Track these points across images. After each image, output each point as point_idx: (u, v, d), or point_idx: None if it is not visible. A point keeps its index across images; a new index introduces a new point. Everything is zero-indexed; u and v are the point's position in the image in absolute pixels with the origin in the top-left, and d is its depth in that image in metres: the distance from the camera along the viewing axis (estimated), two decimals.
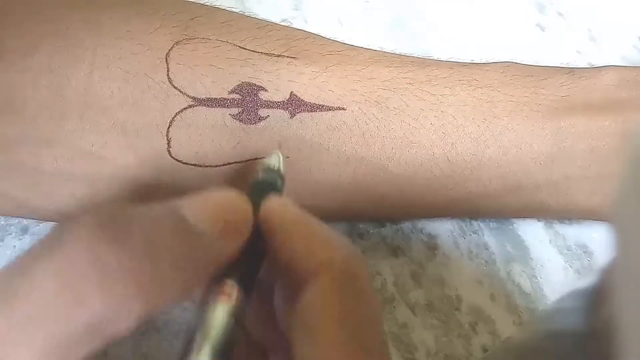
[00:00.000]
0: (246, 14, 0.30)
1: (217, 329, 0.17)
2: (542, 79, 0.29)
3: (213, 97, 0.26)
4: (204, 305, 0.18)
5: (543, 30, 0.40)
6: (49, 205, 0.27)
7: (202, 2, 0.29)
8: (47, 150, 0.26)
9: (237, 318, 0.18)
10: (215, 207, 0.19)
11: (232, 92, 0.26)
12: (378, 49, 0.30)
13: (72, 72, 0.25)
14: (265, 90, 0.27)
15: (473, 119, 0.28)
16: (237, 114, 0.26)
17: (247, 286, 0.19)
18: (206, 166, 0.26)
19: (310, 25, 0.39)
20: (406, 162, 0.28)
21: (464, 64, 0.30)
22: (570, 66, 0.31)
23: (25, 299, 0.15)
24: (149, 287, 0.16)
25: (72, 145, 0.26)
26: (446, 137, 0.28)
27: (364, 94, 0.27)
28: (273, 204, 0.21)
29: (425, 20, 0.40)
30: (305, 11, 0.40)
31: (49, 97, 0.25)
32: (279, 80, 0.27)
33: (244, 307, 0.19)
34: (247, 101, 0.26)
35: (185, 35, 0.26)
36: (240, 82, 0.26)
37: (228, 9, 0.29)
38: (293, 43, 0.28)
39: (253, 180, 0.23)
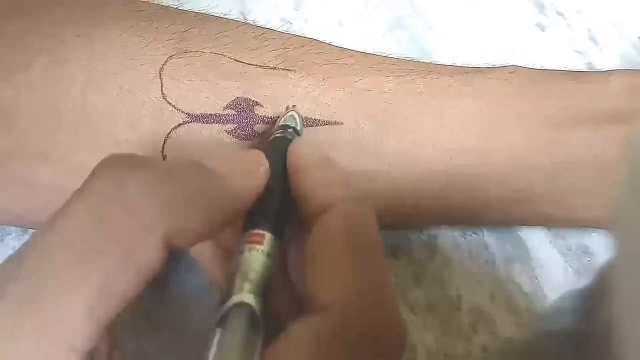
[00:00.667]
0: (245, 15, 0.30)
1: (255, 269, 0.18)
2: (546, 88, 0.29)
3: (208, 112, 0.26)
4: (239, 253, 0.19)
5: (543, 30, 0.40)
6: (45, 219, 0.27)
7: (202, 5, 0.29)
8: (42, 165, 0.26)
9: (273, 263, 0.19)
10: (231, 157, 0.21)
11: (227, 107, 0.26)
12: (377, 53, 0.29)
13: (66, 88, 0.25)
14: (261, 105, 0.26)
15: (473, 132, 0.27)
16: (232, 130, 0.26)
17: (279, 234, 0.20)
18: None
19: (310, 25, 0.39)
20: (404, 177, 0.27)
21: (466, 70, 0.29)
22: (575, 70, 0.30)
23: (66, 237, 0.16)
24: (172, 210, 0.18)
25: (67, 160, 0.26)
26: (444, 151, 0.27)
27: (361, 108, 0.27)
28: (296, 147, 0.22)
29: (425, 20, 0.40)
30: (305, 11, 0.40)
31: (44, 112, 0.25)
32: (274, 95, 0.26)
33: (278, 252, 0.20)
34: (243, 117, 0.26)
35: (179, 48, 0.26)
36: (235, 98, 0.26)
37: (224, 15, 0.29)
38: (289, 53, 0.27)
39: (270, 138, 0.24)
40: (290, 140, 0.24)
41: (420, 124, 0.27)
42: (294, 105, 0.26)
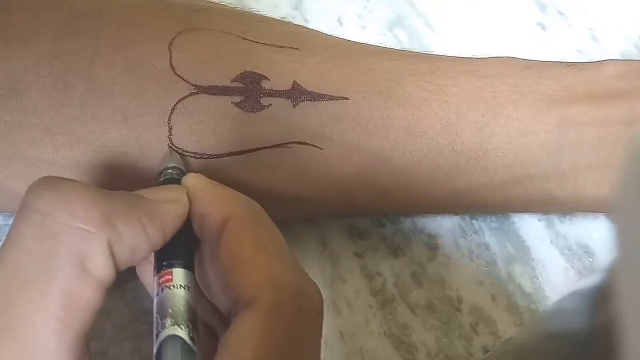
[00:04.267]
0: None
1: (173, 304, 0.20)
2: (543, 71, 0.29)
3: (216, 84, 0.26)
4: (168, 290, 0.21)
5: (544, 30, 0.40)
6: None
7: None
8: (47, 138, 0.25)
9: (189, 291, 0.21)
10: (153, 188, 0.23)
11: (234, 80, 0.26)
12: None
13: (74, 59, 0.25)
14: (268, 79, 0.26)
15: (477, 108, 0.28)
16: (239, 102, 0.26)
17: (189, 265, 0.22)
18: (207, 156, 0.26)
19: (310, 25, 0.39)
20: (410, 153, 0.27)
21: (466, 58, 0.30)
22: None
23: (14, 262, 0.18)
24: (112, 218, 0.19)
25: (73, 132, 0.25)
26: (450, 126, 0.27)
27: (367, 84, 0.27)
28: (188, 179, 0.24)
29: (425, 20, 0.40)
30: (305, 11, 0.40)
31: (51, 84, 0.25)
32: (281, 70, 0.27)
33: (191, 280, 0.22)
34: (250, 89, 0.26)
35: (188, 25, 0.26)
36: (243, 71, 0.26)
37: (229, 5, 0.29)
38: (295, 36, 0.28)
39: (157, 182, 0.25)
40: (178, 180, 0.24)
41: (424, 100, 0.27)
42: (169, 146, 0.26)
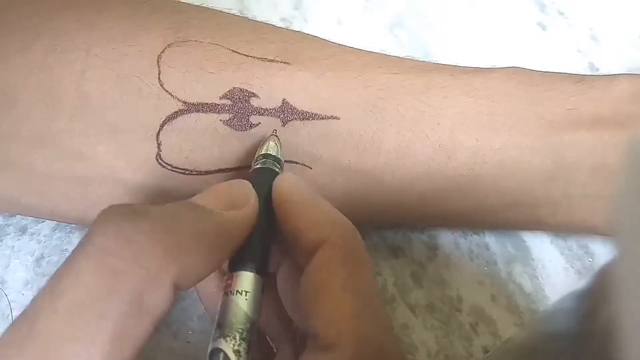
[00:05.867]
0: (245, 14, 0.30)
1: (229, 315, 0.19)
2: (548, 90, 0.28)
3: (204, 101, 0.26)
4: (226, 296, 0.20)
5: (544, 29, 0.40)
6: (42, 204, 0.27)
7: (200, 3, 0.29)
8: (38, 150, 0.26)
9: (253, 301, 0.20)
10: (218, 189, 0.21)
11: (223, 97, 0.26)
12: (378, 51, 0.29)
13: (64, 72, 0.25)
14: (257, 96, 0.26)
15: (471, 132, 0.27)
16: (228, 120, 0.26)
17: (261, 269, 0.21)
18: (196, 172, 0.26)
19: (310, 25, 0.39)
20: (401, 175, 0.27)
21: (466, 71, 0.29)
22: (578, 73, 0.29)
23: (71, 295, 0.17)
24: (177, 255, 0.18)
25: (62, 145, 0.25)
26: (442, 150, 0.27)
27: (359, 103, 0.27)
28: (284, 182, 0.22)
29: (425, 20, 0.40)
30: (305, 11, 0.40)
31: (40, 96, 0.25)
32: (271, 87, 0.26)
33: (259, 288, 0.21)
34: (239, 107, 0.26)
35: (178, 37, 0.26)
36: (232, 88, 0.26)
37: (226, 10, 0.29)
38: (287, 47, 0.27)
39: (252, 169, 0.24)
40: (272, 171, 0.24)
41: (417, 122, 0.27)
42: (274, 130, 0.26)
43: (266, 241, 0.22)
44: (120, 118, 0.25)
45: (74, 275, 0.17)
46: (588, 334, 0.16)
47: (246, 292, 0.20)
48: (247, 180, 0.23)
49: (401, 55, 0.29)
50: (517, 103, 0.27)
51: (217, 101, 0.26)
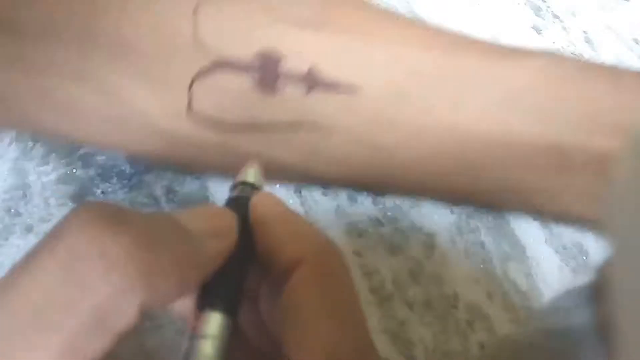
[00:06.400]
0: None
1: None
2: (575, 89, 0.28)
3: (235, 59, 0.26)
4: (193, 337, 0.18)
5: (539, 33, 0.40)
6: (78, 134, 0.28)
7: None
8: (74, 85, 0.26)
9: (220, 343, 0.18)
10: (202, 212, 0.20)
11: (254, 57, 0.26)
12: (413, 17, 0.29)
13: (102, 15, 0.25)
14: (286, 60, 0.26)
15: (487, 120, 0.27)
16: (256, 82, 0.26)
17: (231, 309, 0.19)
18: (224, 128, 0.26)
19: None
20: (413, 154, 0.27)
21: (498, 51, 0.28)
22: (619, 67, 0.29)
23: (28, 294, 0.15)
24: (150, 277, 0.16)
25: (100, 83, 0.26)
26: (457, 134, 0.27)
27: (384, 79, 0.27)
28: (261, 201, 0.21)
29: (422, 22, 0.40)
30: None
31: (80, 30, 0.25)
32: (300, 51, 0.26)
33: (227, 330, 0.19)
34: (267, 69, 0.26)
35: None
36: (262, 48, 0.26)
37: None
38: (323, 11, 0.27)
39: (229, 197, 0.23)
40: (246, 199, 0.22)
41: (435, 105, 0.27)
42: (255, 158, 0.24)
43: (239, 276, 0.20)
44: (155, 65, 0.26)
45: (35, 273, 0.16)
46: (584, 331, 0.17)
47: (213, 336, 0.18)
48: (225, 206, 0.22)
49: None
50: (537, 99, 0.28)
51: (248, 61, 0.26)
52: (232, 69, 0.26)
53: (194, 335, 0.18)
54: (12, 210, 0.30)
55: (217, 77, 0.26)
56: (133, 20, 0.25)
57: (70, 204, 0.31)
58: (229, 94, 0.26)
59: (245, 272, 0.21)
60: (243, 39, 0.26)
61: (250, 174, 0.23)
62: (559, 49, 0.40)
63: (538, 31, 0.41)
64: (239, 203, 0.22)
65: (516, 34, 0.40)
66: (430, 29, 0.29)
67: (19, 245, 0.30)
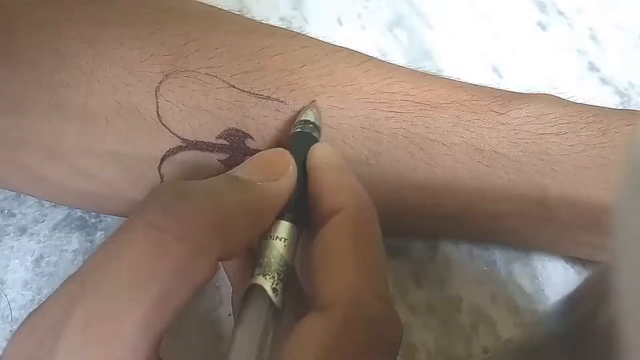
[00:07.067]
0: (245, 14, 0.29)
1: (268, 255, 0.21)
2: (568, 137, 0.27)
3: (201, 140, 0.26)
4: (265, 240, 0.22)
5: (544, 29, 0.40)
6: (50, 198, 0.29)
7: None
8: (47, 161, 0.26)
9: (289, 248, 0.22)
10: (257, 160, 0.23)
11: (219, 137, 0.26)
12: (396, 66, 0.28)
13: (69, 94, 0.25)
14: (252, 138, 0.26)
15: (464, 180, 0.27)
16: (225, 160, 0.26)
17: (298, 223, 0.22)
18: None
19: (310, 25, 0.39)
20: (387, 212, 0.26)
21: (497, 101, 0.27)
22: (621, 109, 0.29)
23: (119, 258, 0.18)
24: (220, 229, 0.19)
25: (71, 161, 0.26)
26: (433, 197, 0.27)
27: (355, 147, 0.26)
28: (318, 150, 0.24)
29: (425, 20, 0.40)
30: (305, 10, 0.40)
31: (50, 111, 0.25)
32: (265, 129, 0.26)
33: (295, 239, 0.22)
34: (235, 148, 0.26)
35: (175, 67, 0.26)
36: (227, 128, 0.26)
37: (226, 8, 0.29)
38: (286, 77, 0.26)
39: (292, 132, 0.25)
40: (310, 135, 0.24)
41: (413, 170, 0.27)
42: (313, 100, 0.26)
43: (304, 197, 0.23)
44: (124, 146, 0.26)
45: (123, 243, 0.18)
46: (588, 334, 0.16)
47: (284, 238, 0.21)
48: (288, 142, 0.24)
49: (400, 55, 0.29)
50: (520, 166, 0.27)
51: (214, 140, 0.26)
52: (199, 150, 0.26)
53: (268, 237, 0.21)
54: (6, 211, 0.30)
55: (185, 156, 0.26)
56: (99, 103, 0.25)
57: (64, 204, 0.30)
58: (199, 172, 0.26)
59: (307, 196, 0.23)
60: (207, 120, 0.26)
61: (310, 114, 0.25)
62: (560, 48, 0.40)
63: (543, 28, 0.40)
64: (301, 138, 0.24)
65: (521, 30, 0.40)
66: (402, 75, 0.28)
67: (13, 246, 0.29)
